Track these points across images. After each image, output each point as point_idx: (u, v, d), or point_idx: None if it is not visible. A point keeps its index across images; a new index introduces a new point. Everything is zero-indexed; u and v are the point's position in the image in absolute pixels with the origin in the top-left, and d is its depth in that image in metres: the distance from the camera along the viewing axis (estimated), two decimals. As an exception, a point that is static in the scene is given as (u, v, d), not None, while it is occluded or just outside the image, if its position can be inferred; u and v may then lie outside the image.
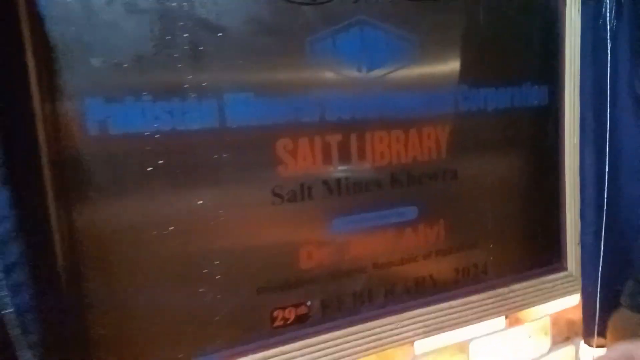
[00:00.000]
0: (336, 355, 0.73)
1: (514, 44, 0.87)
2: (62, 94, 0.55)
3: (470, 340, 0.88)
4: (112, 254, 0.59)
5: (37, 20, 0.53)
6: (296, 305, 0.71)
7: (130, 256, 0.60)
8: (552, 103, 0.92)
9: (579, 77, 0.89)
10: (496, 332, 0.91)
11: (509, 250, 0.91)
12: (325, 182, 0.72)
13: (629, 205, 0.92)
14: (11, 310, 0.48)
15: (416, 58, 0.77)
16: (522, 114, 0.89)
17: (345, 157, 0.73)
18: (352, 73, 0.72)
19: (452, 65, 0.81)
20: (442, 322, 0.82)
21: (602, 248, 0.91)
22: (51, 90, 0.54)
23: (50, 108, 0.55)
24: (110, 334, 0.60)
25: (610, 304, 0.93)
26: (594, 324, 0.94)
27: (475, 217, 0.86)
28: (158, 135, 0.60)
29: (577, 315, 0.99)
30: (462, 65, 0.81)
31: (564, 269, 0.96)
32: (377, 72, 0.74)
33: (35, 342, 0.50)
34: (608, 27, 0.86)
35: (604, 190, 0.90)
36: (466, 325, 0.85)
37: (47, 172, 0.54)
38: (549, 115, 0.92)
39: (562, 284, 0.95)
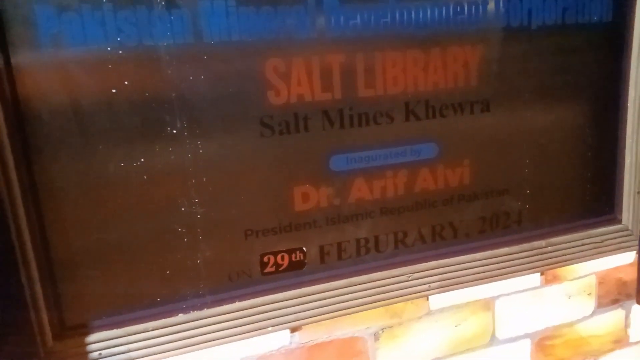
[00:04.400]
0: (336, 306, 0.66)
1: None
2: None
3: (497, 297, 0.78)
4: (81, 195, 0.53)
5: None
6: (290, 251, 0.64)
7: (99, 193, 0.54)
8: (617, 19, 0.74)
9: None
10: (529, 289, 0.80)
11: (549, 197, 0.78)
12: (324, 112, 0.61)
13: None
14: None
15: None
16: (577, 33, 0.72)
17: (349, 83, 0.61)
18: (360, -22, 0.59)
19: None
20: (462, 276, 0.72)
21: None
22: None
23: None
24: (82, 279, 0.56)
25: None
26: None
27: (509, 158, 0.73)
28: (121, 52, 0.52)
29: (631, 276, 0.86)
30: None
31: (618, 221, 0.82)
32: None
33: None
34: None
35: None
36: (491, 281, 0.74)
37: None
38: (612, 34, 0.75)
39: (614, 238, 0.82)
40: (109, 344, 0.57)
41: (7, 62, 0.48)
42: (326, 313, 0.66)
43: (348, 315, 0.67)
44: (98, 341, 0.57)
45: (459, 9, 0.64)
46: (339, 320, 0.67)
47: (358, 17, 0.60)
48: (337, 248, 0.66)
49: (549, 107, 0.74)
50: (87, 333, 0.57)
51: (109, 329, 0.57)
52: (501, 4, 0.66)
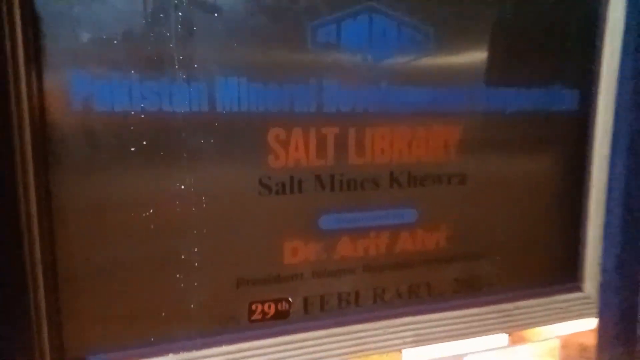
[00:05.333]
0: (317, 355, 0.71)
1: (544, 41, 0.79)
2: (48, 67, 0.55)
3: (466, 354, 0.83)
4: (90, 232, 0.59)
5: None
6: (276, 301, 0.69)
7: (107, 236, 0.60)
8: (583, 109, 0.84)
9: (616, 82, 0.81)
10: (496, 349, 0.85)
11: (518, 264, 0.85)
12: (317, 177, 0.68)
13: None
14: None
15: (429, 50, 0.71)
16: (547, 119, 0.81)
17: (341, 152, 0.69)
18: (357, 62, 0.68)
19: (469, 60, 0.75)
20: (435, 332, 0.78)
21: (625, 272, 0.84)
22: (37, 62, 0.54)
23: (36, 81, 0.54)
24: (83, 312, 0.60)
25: (630, 332, 0.85)
26: (611, 351, 0.87)
27: (482, 226, 0.81)
28: (143, 116, 0.59)
29: (592, 341, 0.92)
30: (481, 60, 0.75)
31: (580, 289, 0.89)
32: (384, 63, 0.69)
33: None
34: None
35: (635, 207, 0.82)
36: (462, 339, 0.80)
37: (27, 147, 0.54)
38: (578, 122, 0.84)
39: (577, 305, 0.88)
40: (101, 379, 0.61)
41: (43, 112, 0.55)
42: (306, 360, 0.70)
43: (326, 364, 0.72)
44: (92, 376, 0.61)
45: (443, 94, 0.73)
46: (317, 368, 0.72)
47: (353, 97, 0.68)
48: (321, 300, 0.72)
49: (520, 184, 0.82)
50: (83, 367, 0.61)
51: (103, 365, 0.62)
52: (479, 92, 0.75)
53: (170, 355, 0.64)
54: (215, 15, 0.60)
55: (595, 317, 0.89)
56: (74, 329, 0.61)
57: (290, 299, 0.70)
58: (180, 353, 0.65)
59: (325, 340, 0.71)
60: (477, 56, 0.75)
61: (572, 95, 0.83)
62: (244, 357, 0.67)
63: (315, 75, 0.66)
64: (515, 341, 0.87)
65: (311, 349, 0.70)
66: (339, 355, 0.72)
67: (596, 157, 0.85)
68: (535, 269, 0.87)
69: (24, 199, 0.54)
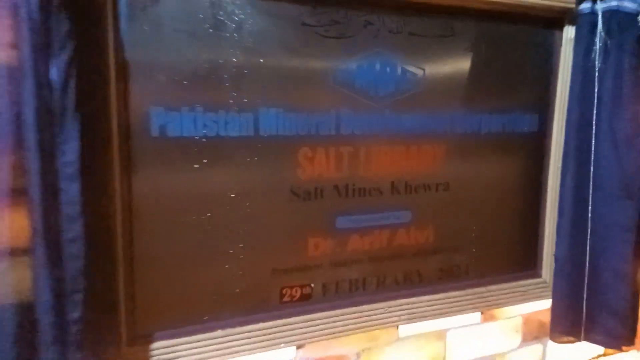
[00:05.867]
0: (332, 330, 0.88)
1: (511, 76, 0.99)
2: (134, 102, 0.70)
3: (448, 329, 1.02)
4: (161, 239, 0.75)
5: (119, 45, 0.67)
6: (302, 286, 0.86)
7: (174, 237, 0.75)
8: (541, 130, 1.04)
9: (565, 109, 1.01)
10: (472, 325, 1.05)
11: (489, 255, 1.04)
12: (335, 186, 0.86)
13: (602, 225, 1.03)
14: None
15: (421, 86, 0.89)
16: (513, 138, 1.01)
17: (353, 166, 0.86)
18: (366, 97, 0.85)
19: (451, 93, 0.93)
20: (424, 311, 0.96)
21: (573, 261, 1.04)
22: (126, 99, 0.69)
23: (124, 114, 0.69)
24: (152, 298, 0.76)
25: (577, 310, 1.06)
26: (562, 326, 1.08)
27: (462, 225, 1.00)
28: (205, 140, 0.74)
29: (547, 318, 1.12)
30: (461, 93, 0.94)
31: (539, 275, 1.10)
32: (387, 97, 0.87)
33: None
34: (596, 68, 0.97)
35: (580, 210, 1.02)
36: (445, 317, 0.99)
37: (116, 165, 0.69)
38: (537, 140, 1.05)
39: (535, 289, 1.09)
40: (165, 351, 0.77)
41: (127, 137, 0.70)
42: (324, 335, 0.87)
43: (339, 338, 0.89)
44: (159, 348, 0.76)
45: (431, 121, 0.91)
46: (332, 341, 0.89)
47: (364, 123, 0.85)
48: (336, 285, 0.89)
49: (491, 190, 1.01)
50: (153, 341, 0.76)
51: (167, 339, 0.77)
52: (459, 118, 0.94)
53: (219, 330, 0.80)
54: (261, 60, 0.76)
55: (550, 298, 1.10)
56: (145, 312, 0.75)
57: (312, 285, 0.87)
58: (227, 329, 0.80)
59: (339, 317, 0.88)
60: (457, 90, 0.94)
61: (532, 119, 1.03)
62: (276, 331, 0.84)
63: (334, 107, 0.83)
64: (486, 319, 1.06)
65: (328, 325, 0.87)
66: (350, 330, 0.89)
67: (551, 169, 1.06)
68: (502, 259, 1.07)
69: (117, 205, 0.69)
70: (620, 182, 0.99)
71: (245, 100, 0.76)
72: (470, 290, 1.01)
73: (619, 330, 1.03)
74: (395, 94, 0.88)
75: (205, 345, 0.79)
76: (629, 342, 1.04)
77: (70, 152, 0.60)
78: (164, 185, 0.73)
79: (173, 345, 0.77)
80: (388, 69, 0.86)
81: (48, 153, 0.59)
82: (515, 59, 0.99)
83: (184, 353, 0.78)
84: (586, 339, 1.06)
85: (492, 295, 1.04)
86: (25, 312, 0.60)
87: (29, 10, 0.56)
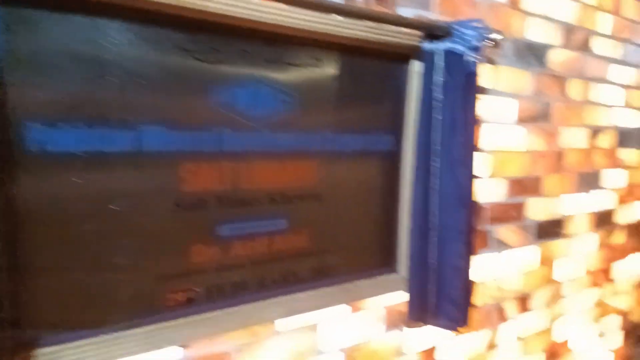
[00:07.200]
0: (215, 329, 0.96)
1: (370, 102, 1.18)
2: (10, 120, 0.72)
3: (320, 322, 1.16)
4: (46, 249, 0.77)
5: None
6: (186, 290, 0.93)
7: (60, 247, 0.78)
8: (395, 149, 1.24)
9: (415, 132, 1.23)
10: (341, 316, 1.20)
11: (355, 255, 1.21)
12: (217, 197, 0.95)
13: (444, 229, 1.26)
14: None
15: (294, 108, 1.03)
16: (373, 155, 1.20)
17: (235, 180, 0.97)
18: (245, 117, 0.96)
19: (321, 116, 1.09)
20: (300, 307, 1.09)
21: (422, 260, 1.25)
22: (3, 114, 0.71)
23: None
24: (37, 305, 0.78)
25: (426, 300, 1.27)
26: (414, 314, 1.28)
27: (331, 230, 1.15)
28: (86, 155, 0.79)
29: (404, 309, 1.32)
30: (329, 116, 1.10)
31: (397, 272, 1.30)
32: (264, 118, 0.99)
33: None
34: (437, 99, 1.20)
35: (427, 216, 1.24)
36: (317, 310, 1.13)
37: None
38: (393, 158, 1.25)
39: (394, 283, 1.28)
40: (51, 357, 0.79)
41: (3, 152, 0.72)
42: (208, 334, 0.95)
43: (222, 335, 0.98)
44: (45, 355, 0.78)
45: (303, 139, 1.05)
46: (216, 339, 0.98)
47: (243, 141, 0.96)
48: (219, 288, 0.98)
49: (356, 200, 1.19)
50: (38, 348, 0.78)
51: (53, 346, 0.79)
52: (328, 137, 1.10)
53: (103, 335, 0.84)
54: (143, 82, 0.83)
55: (407, 292, 1.30)
56: (30, 321, 0.77)
57: (196, 289, 0.95)
58: (111, 333, 0.85)
59: (222, 317, 0.97)
60: (325, 113, 1.10)
61: (388, 140, 1.23)
62: (161, 333, 0.90)
63: (215, 126, 0.93)
64: (355, 310, 1.23)
65: (211, 325, 0.96)
66: (232, 328, 0.99)
67: (404, 182, 1.26)
68: (366, 258, 1.24)
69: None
70: (456, 193, 1.22)
71: (127, 117, 0.82)
72: (339, 286, 1.16)
73: (456, 315, 1.26)
74: (272, 115, 1.00)
75: (90, 350, 0.82)
76: (464, 324, 1.28)
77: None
78: (48, 198, 0.76)
79: (58, 352, 0.79)
80: (264, 93, 0.98)
81: None
82: (374, 87, 1.18)
83: (69, 359, 0.80)
84: (432, 324, 1.27)
85: (358, 290, 1.20)
86: None
87: None
